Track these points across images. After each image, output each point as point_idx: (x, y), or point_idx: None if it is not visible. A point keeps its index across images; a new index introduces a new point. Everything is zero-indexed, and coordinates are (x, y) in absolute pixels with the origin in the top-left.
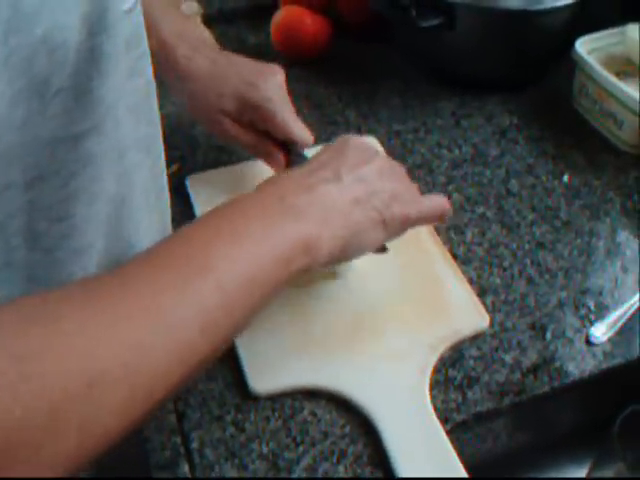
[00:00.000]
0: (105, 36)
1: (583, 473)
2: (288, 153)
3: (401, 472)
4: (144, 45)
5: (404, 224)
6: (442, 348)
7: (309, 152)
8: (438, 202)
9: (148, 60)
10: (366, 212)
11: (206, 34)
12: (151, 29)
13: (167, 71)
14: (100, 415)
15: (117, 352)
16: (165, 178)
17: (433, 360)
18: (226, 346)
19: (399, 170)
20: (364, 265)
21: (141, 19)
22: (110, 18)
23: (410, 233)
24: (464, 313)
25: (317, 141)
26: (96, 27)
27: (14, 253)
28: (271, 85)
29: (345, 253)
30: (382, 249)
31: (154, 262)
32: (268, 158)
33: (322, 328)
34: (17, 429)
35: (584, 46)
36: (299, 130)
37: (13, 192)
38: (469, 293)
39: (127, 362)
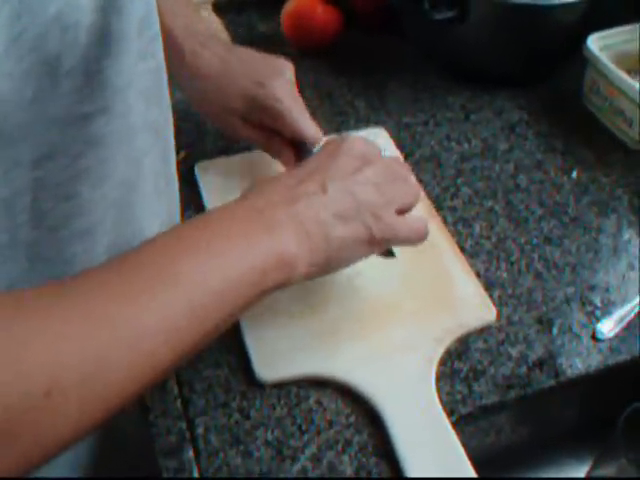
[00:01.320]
0: (117, 17)
1: (585, 469)
2: (298, 150)
3: (406, 463)
4: (156, 28)
5: (392, 242)
6: (449, 340)
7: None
8: (420, 226)
9: (160, 43)
10: (351, 228)
11: (215, 26)
12: (160, 20)
13: (174, 66)
14: (55, 423)
15: (77, 361)
16: (174, 164)
17: (440, 352)
18: (190, 356)
19: (398, 172)
20: (372, 257)
21: (153, 1)
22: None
23: None
24: (471, 306)
25: (327, 132)
26: (109, 8)
27: (19, 231)
28: (280, 84)
29: (327, 268)
30: (389, 254)
31: (123, 270)
32: (278, 155)
33: (329, 318)
34: None
35: (596, 43)
36: (308, 128)
37: (21, 170)
38: (477, 286)
39: (86, 372)
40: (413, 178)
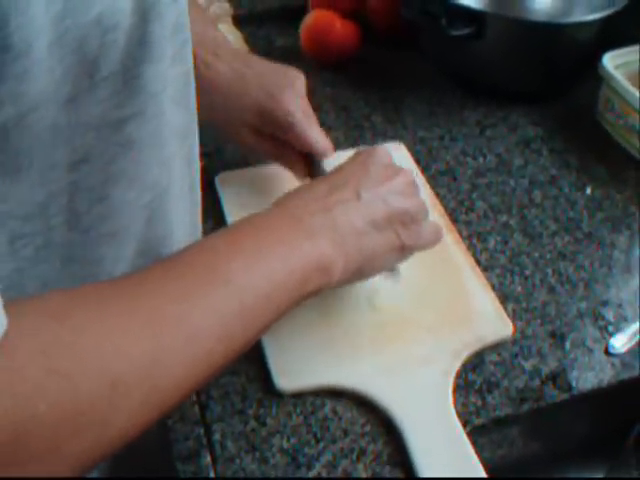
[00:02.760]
0: (155, 20)
1: None
2: (310, 162)
3: (422, 471)
4: (187, 32)
5: (418, 248)
6: (466, 354)
7: (330, 162)
8: (438, 230)
9: (190, 47)
10: (384, 235)
11: (235, 39)
12: None
13: None
14: (117, 417)
15: (138, 356)
16: (199, 169)
17: (457, 365)
18: (236, 358)
19: (416, 184)
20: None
21: (185, 4)
22: (161, 2)
23: None
24: (488, 320)
25: (343, 145)
26: (147, 11)
27: (53, 233)
28: (291, 96)
29: (359, 274)
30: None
31: (175, 269)
32: (290, 167)
33: (348, 330)
34: (39, 424)
35: (611, 61)
36: (318, 141)
37: (57, 173)
38: (493, 301)
39: (146, 367)
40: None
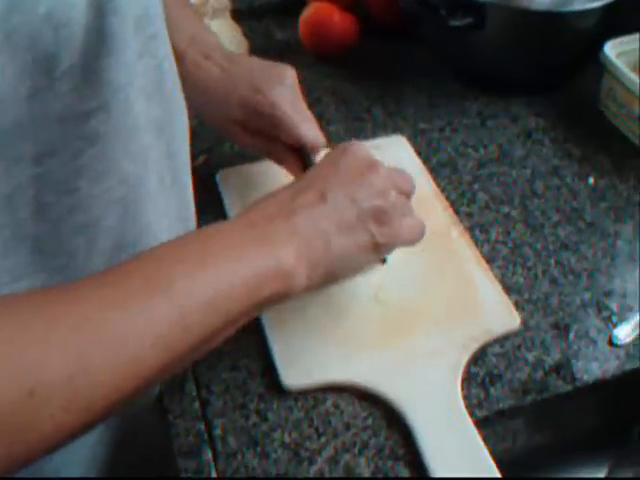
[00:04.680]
0: (112, 15)
1: (601, 476)
2: (302, 157)
3: (434, 468)
4: (156, 26)
5: (395, 245)
6: (474, 347)
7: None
8: (419, 226)
9: (161, 41)
10: (354, 236)
11: (234, 34)
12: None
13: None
14: (37, 424)
15: (62, 363)
16: (184, 161)
17: (465, 359)
18: (183, 365)
19: (400, 180)
20: (397, 264)
21: (152, 2)
22: None
23: (441, 234)
24: (495, 313)
25: (344, 138)
26: (103, 6)
27: (22, 225)
28: (278, 90)
29: (331, 277)
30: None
31: (115, 277)
32: (282, 163)
33: (355, 326)
34: None
35: (613, 49)
36: (307, 135)
37: (22, 166)
38: (500, 293)
39: (70, 373)
40: (412, 188)
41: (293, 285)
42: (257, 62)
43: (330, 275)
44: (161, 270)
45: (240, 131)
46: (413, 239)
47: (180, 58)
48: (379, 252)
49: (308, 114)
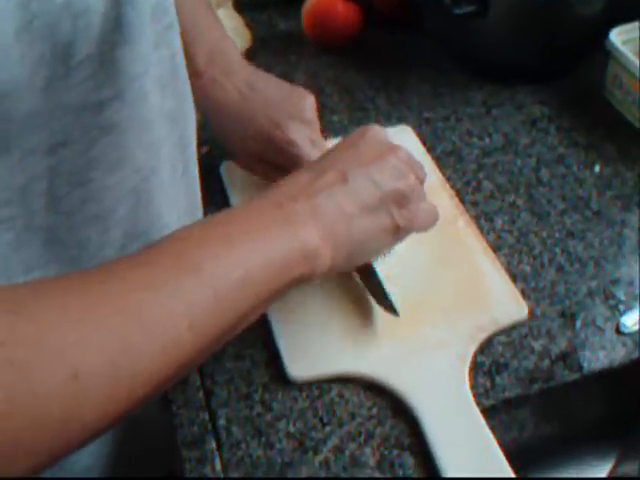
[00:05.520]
0: (129, 5)
1: (609, 465)
2: None
3: (442, 462)
4: (171, 16)
5: (413, 229)
6: (481, 337)
7: None
8: (433, 210)
9: (175, 32)
10: (376, 217)
11: (236, 24)
12: (185, 45)
13: (195, 92)
14: (81, 410)
15: (103, 347)
16: (193, 153)
17: (472, 349)
18: (216, 348)
19: (416, 166)
20: (403, 254)
21: None
22: None
23: (447, 223)
24: (503, 303)
25: (348, 128)
26: None
27: (35, 216)
28: (297, 126)
29: (352, 260)
30: (394, 312)
31: (145, 260)
32: None
33: (361, 316)
34: None
35: (619, 36)
36: None
37: (37, 157)
38: (508, 283)
39: (112, 357)
40: (424, 175)
41: (318, 266)
42: (276, 88)
43: (352, 256)
44: (191, 253)
45: (254, 162)
46: (428, 224)
47: (199, 76)
48: (398, 235)
49: (324, 148)
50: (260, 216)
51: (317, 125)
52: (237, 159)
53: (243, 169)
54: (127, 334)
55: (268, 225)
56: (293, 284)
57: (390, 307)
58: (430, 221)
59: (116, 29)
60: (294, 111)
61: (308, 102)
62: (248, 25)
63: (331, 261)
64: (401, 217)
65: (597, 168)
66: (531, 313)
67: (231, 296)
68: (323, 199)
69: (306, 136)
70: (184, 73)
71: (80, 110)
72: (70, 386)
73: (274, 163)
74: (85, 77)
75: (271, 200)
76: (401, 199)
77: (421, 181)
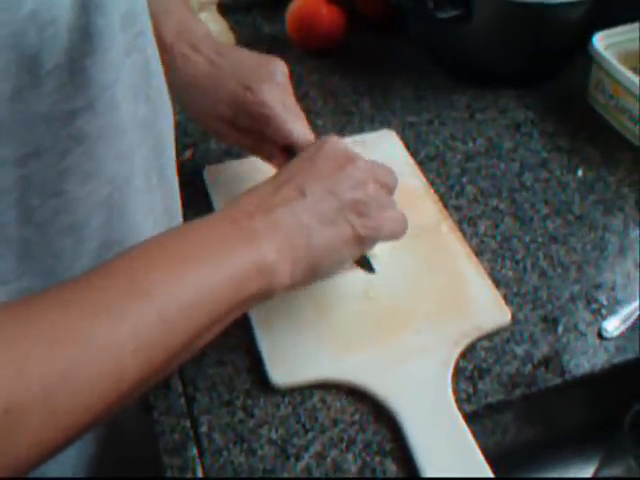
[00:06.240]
0: (98, 13)
1: (591, 469)
2: (291, 155)
3: (423, 464)
4: (142, 22)
5: (378, 239)
6: (464, 343)
7: None
8: (401, 219)
9: (147, 37)
10: (336, 229)
11: (220, 27)
12: (152, 21)
13: (165, 72)
14: (14, 440)
15: (40, 379)
16: (170, 158)
17: (455, 355)
18: (166, 371)
19: (381, 173)
20: (387, 260)
21: None
22: None
23: (431, 229)
24: (486, 308)
25: (331, 132)
26: (88, 4)
27: (6, 228)
28: (269, 88)
29: (314, 273)
30: (369, 269)
31: (93, 283)
32: (270, 160)
33: (344, 322)
34: None
35: (601, 41)
36: (297, 133)
37: (6, 168)
38: (491, 288)
39: (50, 388)
40: (395, 182)
41: (276, 281)
42: (247, 56)
43: (313, 271)
44: (140, 275)
45: (227, 128)
46: (396, 232)
47: (167, 50)
48: (362, 245)
49: (298, 111)
50: (215, 232)
51: (289, 88)
52: (209, 130)
53: (218, 139)
54: (68, 365)
55: (224, 241)
56: (250, 301)
57: (366, 265)
58: (398, 229)
59: (85, 38)
60: (265, 74)
61: (279, 66)
62: (232, 28)
63: (290, 276)
64: (362, 227)
65: (580, 172)
66: (513, 318)
67: (180, 318)
68: (281, 213)
69: (277, 98)
70: (159, 78)
71: (51, 120)
72: (1, 420)
73: (247, 129)
74: (55, 87)
75: (227, 215)
76: (361, 208)
77: (389, 189)
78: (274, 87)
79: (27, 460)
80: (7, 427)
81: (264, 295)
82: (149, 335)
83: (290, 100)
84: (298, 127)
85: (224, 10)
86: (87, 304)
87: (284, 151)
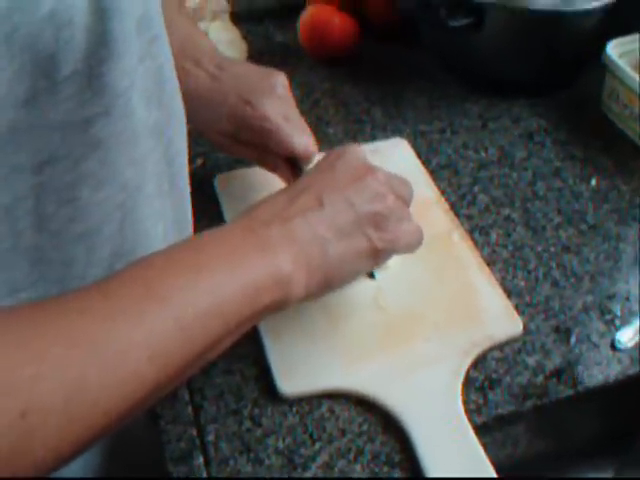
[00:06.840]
0: (115, 18)
1: None
2: (294, 165)
3: (433, 477)
4: (156, 28)
5: (394, 251)
6: (475, 353)
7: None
8: (417, 231)
9: (161, 43)
10: (352, 241)
11: (233, 36)
12: None
13: None
14: (31, 445)
15: (57, 383)
16: (182, 166)
17: (466, 365)
18: (181, 379)
19: (398, 185)
20: (398, 269)
21: (152, 3)
22: (120, 0)
23: (442, 238)
24: (497, 318)
25: (343, 141)
26: (105, 9)
27: (21, 236)
28: (269, 101)
29: (330, 284)
30: (370, 275)
31: (108, 289)
32: (274, 171)
33: (353, 331)
34: None
35: (615, 49)
36: (299, 146)
37: (21, 175)
38: (502, 298)
39: (66, 393)
40: (411, 194)
41: (291, 293)
42: (248, 69)
43: (328, 282)
44: (156, 281)
45: (230, 141)
46: (411, 245)
47: None
48: (378, 258)
49: (300, 123)
50: (232, 242)
51: (291, 101)
52: (213, 141)
53: (222, 151)
54: (85, 369)
55: (240, 251)
56: (265, 311)
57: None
58: (414, 242)
59: (102, 44)
60: (265, 88)
61: (279, 79)
62: (245, 37)
63: (305, 287)
64: (380, 239)
65: (593, 182)
66: (525, 328)
67: (197, 326)
68: (298, 224)
69: (278, 111)
70: (173, 85)
71: (67, 127)
72: (17, 424)
73: (250, 142)
74: (72, 93)
75: (243, 225)
76: (379, 221)
77: (405, 201)
78: (275, 100)
79: (44, 464)
80: (24, 431)
81: (278, 306)
82: (166, 341)
83: (292, 112)
84: (300, 139)
85: (236, 19)
86: (103, 309)
87: (287, 161)
